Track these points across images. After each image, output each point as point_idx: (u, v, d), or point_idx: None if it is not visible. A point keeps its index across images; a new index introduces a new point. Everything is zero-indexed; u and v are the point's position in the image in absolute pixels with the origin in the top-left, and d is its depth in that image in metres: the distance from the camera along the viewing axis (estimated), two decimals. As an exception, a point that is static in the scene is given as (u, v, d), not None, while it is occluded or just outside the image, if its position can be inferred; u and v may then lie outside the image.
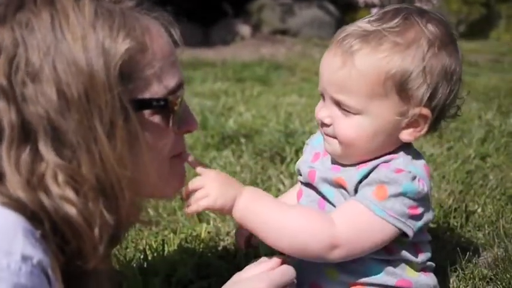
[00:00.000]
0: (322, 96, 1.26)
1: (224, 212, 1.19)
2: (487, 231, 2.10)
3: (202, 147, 3.12)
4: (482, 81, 5.54)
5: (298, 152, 2.89)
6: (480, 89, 4.97)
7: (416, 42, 1.17)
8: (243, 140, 3.19)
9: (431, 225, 2.15)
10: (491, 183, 2.55)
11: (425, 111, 1.20)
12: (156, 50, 1.06)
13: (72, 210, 0.94)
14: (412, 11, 1.21)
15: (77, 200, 0.95)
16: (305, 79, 5.80)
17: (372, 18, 1.22)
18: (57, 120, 0.93)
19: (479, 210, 2.27)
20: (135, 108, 1.00)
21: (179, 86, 1.10)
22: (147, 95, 1.04)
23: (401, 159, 1.24)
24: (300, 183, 1.44)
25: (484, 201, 2.34)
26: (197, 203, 1.16)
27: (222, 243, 2.02)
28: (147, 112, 1.05)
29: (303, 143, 2.53)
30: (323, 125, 1.26)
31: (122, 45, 0.98)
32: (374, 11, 9.38)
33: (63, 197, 0.94)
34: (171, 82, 1.08)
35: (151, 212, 2.19)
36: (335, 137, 1.24)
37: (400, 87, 1.17)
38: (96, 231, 0.97)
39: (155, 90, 1.06)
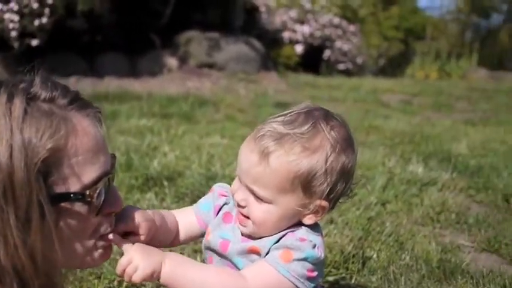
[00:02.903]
0: (240, 179, 1.48)
1: (153, 279, 1.37)
2: (379, 276, 2.39)
3: (126, 189, 3.26)
4: (391, 125, 6.01)
5: (217, 196, 3.10)
6: (388, 133, 5.40)
7: (322, 148, 1.39)
8: (166, 183, 3.36)
9: (333, 270, 2.44)
10: (387, 230, 2.87)
11: (324, 203, 1.44)
12: (79, 148, 1.16)
13: None
14: (319, 116, 1.43)
15: None
16: (229, 117, 6.05)
17: (285, 119, 1.43)
18: None
19: (374, 256, 2.57)
20: (52, 201, 1.11)
21: (99, 179, 1.21)
22: (64, 189, 1.14)
23: (304, 229, 1.48)
24: (193, 212, 1.63)
25: (379, 248, 2.64)
26: (131, 279, 1.32)
27: (143, 289, 2.19)
28: (65, 203, 1.16)
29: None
30: (239, 205, 1.48)
31: (44, 145, 1.10)
32: (298, 47, 9.84)
33: None
34: (89, 177, 1.19)
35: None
36: (248, 217, 1.47)
37: (306, 184, 1.40)
38: None
39: (73, 185, 1.15)
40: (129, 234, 1.42)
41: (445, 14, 24.68)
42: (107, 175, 1.23)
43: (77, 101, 1.23)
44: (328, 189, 1.40)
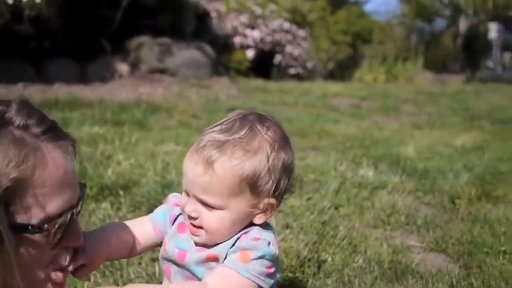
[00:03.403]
0: (187, 193, 1.52)
1: None
2: (334, 279, 2.47)
3: (81, 199, 3.23)
4: (341, 129, 6.15)
5: (174, 204, 3.12)
6: (339, 137, 5.53)
7: (261, 148, 1.47)
8: (121, 192, 3.34)
9: (289, 274, 2.50)
10: (341, 233, 2.95)
11: (272, 200, 1.51)
12: (46, 179, 1.15)
13: None
14: (254, 120, 1.50)
15: None
16: (182, 123, 6.04)
17: (222, 127, 1.48)
18: None
19: (329, 259, 2.65)
20: (12, 230, 1.09)
21: (61, 214, 1.20)
22: (26, 218, 1.13)
23: (256, 229, 1.54)
24: (149, 222, 1.66)
25: (333, 251, 2.73)
26: None
27: (102, 300, 2.18)
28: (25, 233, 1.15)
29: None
30: (190, 217, 1.52)
31: (8, 174, 1.08)
32: (249, 52, 9.95)
33: None
34: (52, 209, 1.18)
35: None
36: (201, 227, 1.51)
37: (252, 185, 1.46)
38: None
39: (35, 215, 1.14)
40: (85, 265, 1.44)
41: (391, 18, 25.36)
42: (70, 209, 1.23)
43: (51, 131, 1.21)
44: (273, 187, 1.48)
